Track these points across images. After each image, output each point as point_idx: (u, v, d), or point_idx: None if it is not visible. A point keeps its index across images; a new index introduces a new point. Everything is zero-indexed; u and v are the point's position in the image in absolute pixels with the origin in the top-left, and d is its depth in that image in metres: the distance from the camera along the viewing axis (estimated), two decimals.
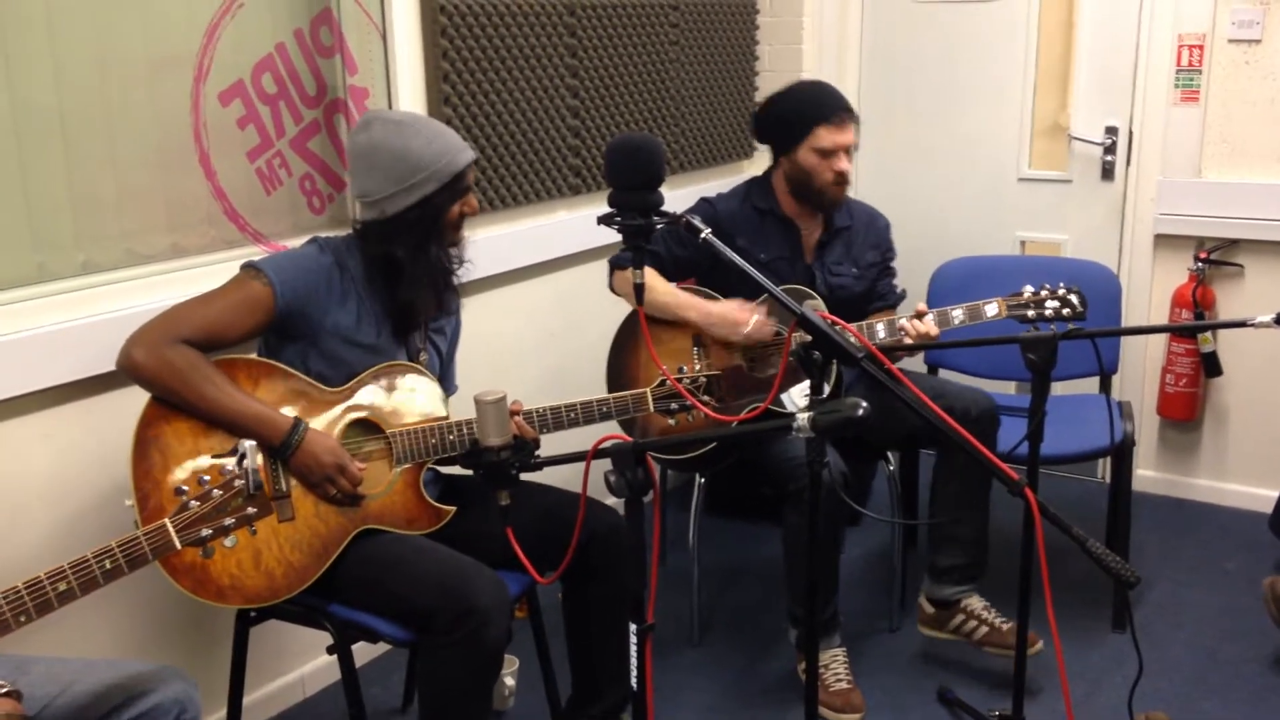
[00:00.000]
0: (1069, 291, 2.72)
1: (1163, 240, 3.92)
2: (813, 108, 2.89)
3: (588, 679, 2.56)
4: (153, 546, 1.73)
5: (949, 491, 3.00)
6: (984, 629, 2.96)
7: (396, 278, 2.32)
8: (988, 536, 3.03)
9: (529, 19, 3.26)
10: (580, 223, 3.54)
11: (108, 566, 1.68)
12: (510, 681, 2.86)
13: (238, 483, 1.80)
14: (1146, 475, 4.10)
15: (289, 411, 2.21)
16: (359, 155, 2.30)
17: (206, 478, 2.10)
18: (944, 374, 3.64)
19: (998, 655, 2.94)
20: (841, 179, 2.89)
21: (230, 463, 2.11)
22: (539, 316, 3.53)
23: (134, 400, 2.13)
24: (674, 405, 2.51)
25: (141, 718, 1.80)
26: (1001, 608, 2.97)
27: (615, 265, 2.98)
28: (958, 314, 2.79)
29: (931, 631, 3.08)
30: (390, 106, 2.96)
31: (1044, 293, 2.73)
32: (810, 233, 3.00)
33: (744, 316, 2.78)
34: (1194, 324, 3.83)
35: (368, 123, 2.32)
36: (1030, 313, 2.72)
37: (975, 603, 3.00)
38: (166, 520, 1.74)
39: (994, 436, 2.92)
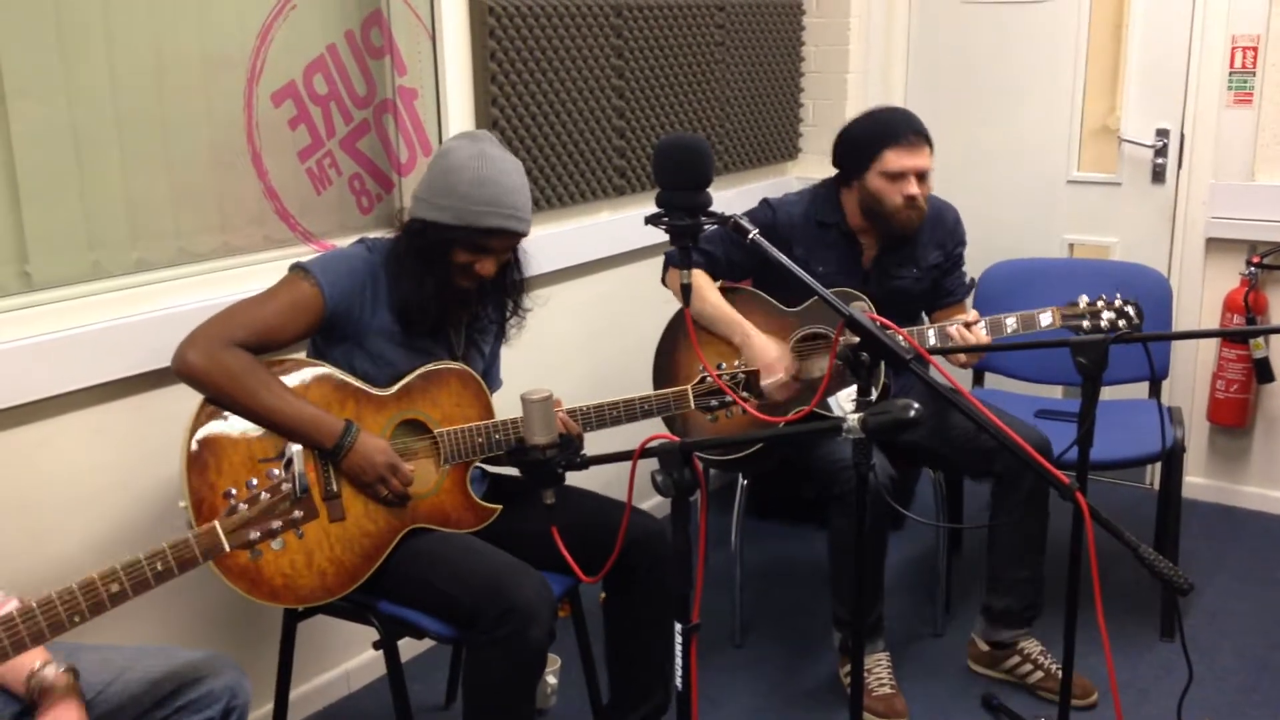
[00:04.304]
0: (1125, 303, 2.64)
1: (1214, 244, 3.87)
2: (881, 130, 2.83)
3: (627, 685, 2.56)
4: (203, 549, 1.74)
5: (1005, 531, 2.90)
6: (1039, 674, 2.90)
7: (395, 276, 2.30)
8: (1043, 579, 2.94)
9: (576, 20, 3.27)
10: (625, 223, 3.54)
11: (159, 568, 1.70)
12: (552, 680, 2.87)
13: (285, 487, 1.82)
14: (1196, 482, 4.04)
15: (338, 414, 2.23)
16: (437, 153, 2.29)
17: (254, 481, 2.11)
18: (990, 377, 3.61)
19: (1052, 699, 2.85)
20: (912, 203, 2.81)
21: (277, 468, 2.13)
22: (584, 316, 3.54)
23: (184, 397, 2.16)
24: (714, 402, 2.50)
25: (192, 705, 1.83)
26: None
27: (670, 261, 2.97)
28: (1011, 322, 2.74)
29: (983, 669, 3.00)
30: (439, 107, 2.98)
31: (1100, 303, 2.66)
32: (872, 247, 2.95)
33: (774, 369, 2.72)
34: (1246, 329, 3.77)
35: (469, 135, 2.30)
36: (1085, 323, 2.65)
37: (1032, 647, 2.94)
38: (216, 522, 1.76)
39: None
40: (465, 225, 2.21)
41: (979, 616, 3.01)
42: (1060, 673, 2.81)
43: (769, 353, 2.76)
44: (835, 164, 2.95)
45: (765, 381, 2.70)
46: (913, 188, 2.80)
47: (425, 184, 2.27)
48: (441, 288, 2.29)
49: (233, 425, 2.15)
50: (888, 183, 2.80)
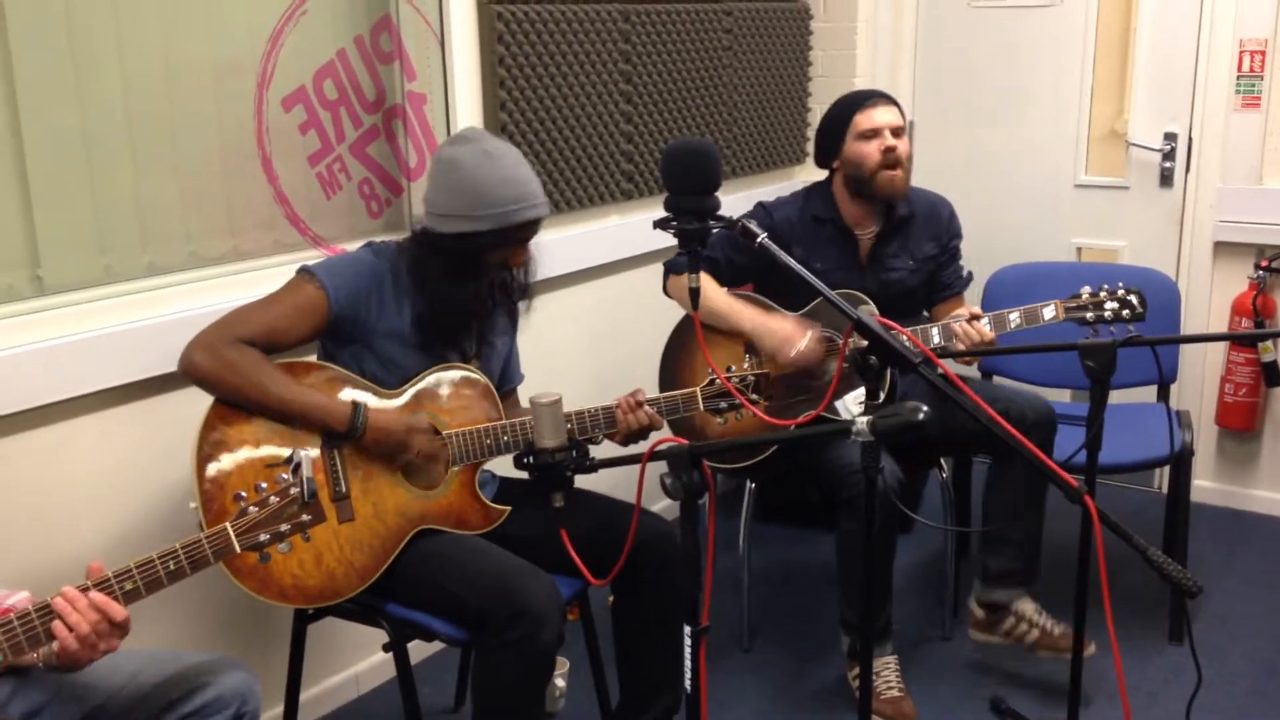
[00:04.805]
0: (1128, 292, 2.67)
1: (1222, 248, 3.87)
2: (847, 101, 2.95)
3: (636, 687, 2.56)
4: (214, 549, 1.76)
5: (1003, 496, 2.95)
6: (1036, 632, 2.92)
7: (422, 289, 2.33)
8: (1041, 540, 2.98)
9: (584, 25, 3.28)
10: (633, 227, 3.55)
11: (171, 567, 1.72)
12: (561, 683, 2.87)
13: (293, 490, 1.84)
14: (1204, 486, 4.04)
15: None
16: (440, 164, 2.30)
17: (264, 485, 2.13)
18: (998, 381, 3.61)
19: (1050, 659, 2.91)
20: (891, 155, 2.86)
21: (286, 472, 2.15)
22: (590, 320, 3.54)
23: (194, 400, 2.17)
24: (723, 404, 2.51)
25: (204, 709, 1.84)
26: (1058, 618, 2.94)
27: (670, 269, 2.98)
28: (1014, 317, 2.75)
29: (983, 636, 3.03)
30: (448, 112, 2.99)
31: (1103, 294, 2.68)
32: (868, 238, 2.98)
33: (797, 335, 2.75)
34: (1254, 332, 3.77)
35: (462, 139, 2.31)
36: (1089, 315, 2.69)
37: (1027, 606, 2.96)
38: (228, 524, 1.78)
39: (1051, 442, 2.88)
40: (503, 228, 2.25)
41: (975, 579, 3.04)
42: (1057, 630, 2.90)
43: (784, 326, 2.78)
44: (817, 160, 3.03)
45: (794, 349, 2.73)
46: (889, 140, 2.86)
47: (443, 199, 2.27)
48: (475, 295, 2.34)
49: (243, 429, 2.16)
50: (864, 143, 2.88)
